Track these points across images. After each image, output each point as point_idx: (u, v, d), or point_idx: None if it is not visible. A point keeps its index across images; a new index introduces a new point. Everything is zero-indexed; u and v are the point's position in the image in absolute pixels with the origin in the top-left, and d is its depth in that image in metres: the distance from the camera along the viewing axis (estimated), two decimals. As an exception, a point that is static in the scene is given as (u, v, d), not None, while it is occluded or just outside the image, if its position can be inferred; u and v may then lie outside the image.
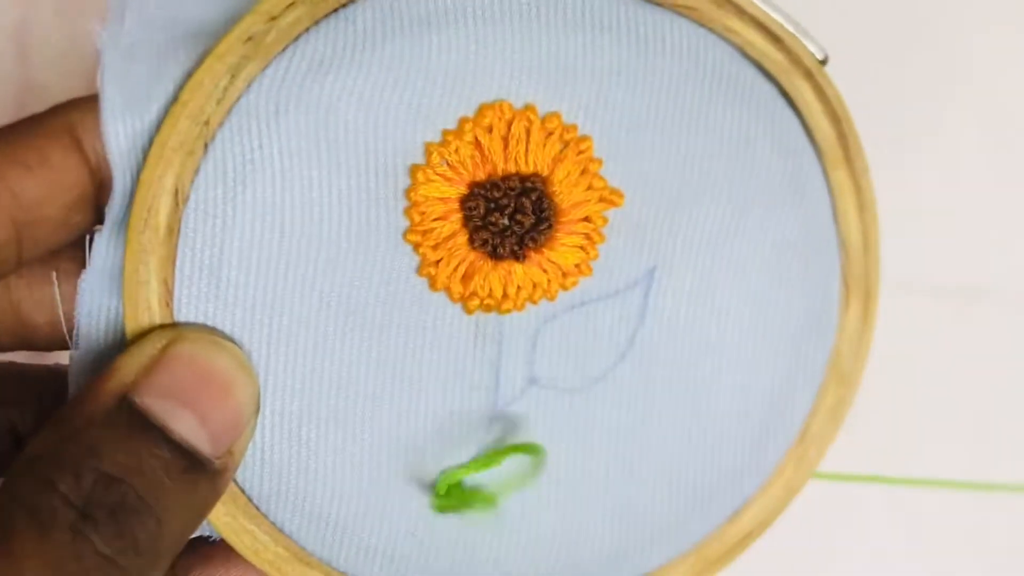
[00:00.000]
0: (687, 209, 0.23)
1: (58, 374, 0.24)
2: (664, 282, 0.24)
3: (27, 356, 0.25)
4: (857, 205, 0.24)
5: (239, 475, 0.22)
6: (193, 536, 0.22)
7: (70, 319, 0.22)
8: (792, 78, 0.23)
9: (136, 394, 0.20)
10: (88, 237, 0.22)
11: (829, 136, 0.24)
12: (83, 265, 0.22)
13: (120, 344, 0.22)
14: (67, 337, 0.22)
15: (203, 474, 0.20)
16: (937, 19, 0.35)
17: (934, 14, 0.35)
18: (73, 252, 0.23)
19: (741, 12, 0.23)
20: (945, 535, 0.36)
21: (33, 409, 0.24)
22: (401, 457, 0.23)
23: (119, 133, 0.21)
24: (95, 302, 0.21)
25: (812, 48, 0.23)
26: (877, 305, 0.25)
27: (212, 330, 0.21)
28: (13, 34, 0.31)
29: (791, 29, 0.23)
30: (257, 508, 0.22)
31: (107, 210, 0.21)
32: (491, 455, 0.23)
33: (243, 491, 0.22)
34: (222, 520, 0.22)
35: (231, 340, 0.21)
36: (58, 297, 0.22)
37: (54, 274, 0.22)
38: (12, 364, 0.25)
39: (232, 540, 0.22)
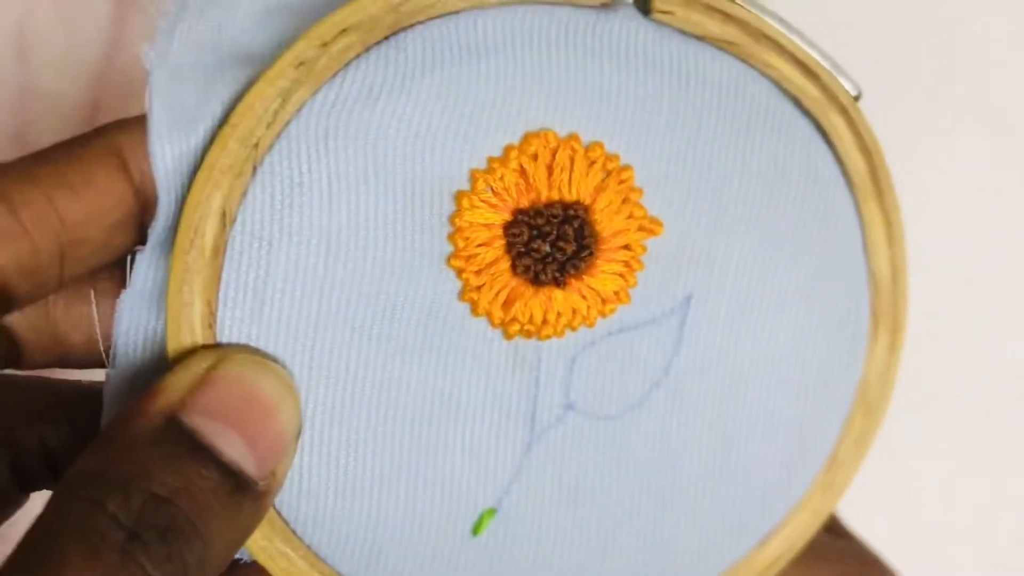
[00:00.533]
0: (723, 239, 0.24)
1: (90, 392, 0.24)
2: (700, 311, 0.24)
3: (59, 373, 0.25)
4: (887, 238, 0.25)
5: (277, 499, 0.22)
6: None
7: (107, 338, 0.22)
8: (827, 113, 0.24)
9: (184, 414, 0.20)
10: (129, 257, 0.22)
11: (861, 170, 0.24)
12: (122, 284, 0.22)
13: (158, 365, 0.21)
14: (104, 356, 0.22)
15: (248, 496, 0.20)
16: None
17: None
18: (111, 271, 0.23)
19: (779, 48, 0.23)
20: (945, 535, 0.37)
21: (65, 426, 0.24)
22: (438, 482, 0.23)
23: (166, 154, 0.21)
24: (134, 321, 0.21)
25: (847, 84, 0.24)
26: (904, 336, 0.25)
27: (257, 351, 0.21)
28: (13, 35, 0.30)
29: (827, 65, 0.24)
30: (294, 532, 0.22)
31: (150, 230, 0.21)
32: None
33: (280, 515, 0.22)
34: (258, 544, 0.22)
35: (276, 361, 0.21)
36: (96, 315, 0.22)
37: (92, 292, 0.22)
38: (45, 380, 0.24)
39: (267, 564, 0.22)
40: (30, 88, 0.31)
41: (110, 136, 0.21)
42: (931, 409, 0.36)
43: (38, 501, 0.20)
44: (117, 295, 0.21)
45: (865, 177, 0.24)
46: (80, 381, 0.24)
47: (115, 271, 0.22)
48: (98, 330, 0.22)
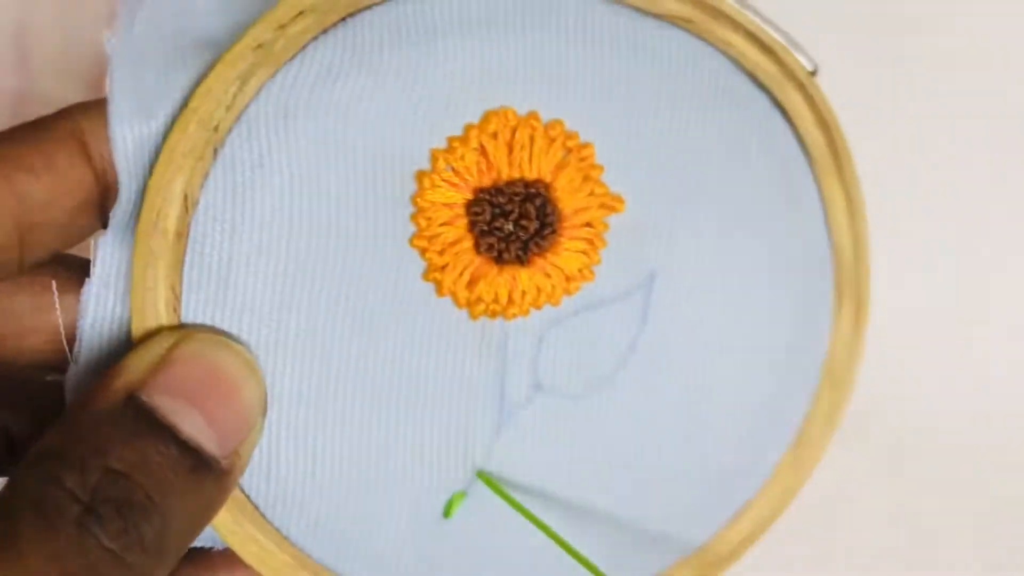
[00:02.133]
0: (686, 215, 0.24)
1: (52, 381, 0.24)
2: (664, 286, 0.24)
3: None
4: (848, 212, 0.25)
5: (245, 482, 0.22)
6: (197, 546, 0.22)
7: (68, 327, 0.22)
8: (784, 88, 0.24)
9: (143, 393, 0.20)
10: (93, 242, 0.22)
11: (820, 144, 0.24)
12: (80, 273, 0.22)
13: (122, 348, 0.21)
14: (65, 343, 0.22)
15: (210, 474, 0.20)
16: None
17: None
18: (70, 263, 0.23)
19: (736, 25, 0.23)
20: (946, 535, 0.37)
21: (27, 413, 0.24)
22: (408, 464, 0.23)
23: (126, 138, 0.21)
24: (99, 306, 0.21)
25: (803, 59, 0.24)
26: (869, 310, 0.25)
27: (219, 331, 0.21)
28: (12, 35, 0.31)
29: (783, 41, 0.24)
30: (263, 516, 0.22)
31: (112, 215, 0.21)
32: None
33: (249, 498, 0.22)
34: (228, 527, 0.22)
35: (238, 341, 0.21)
36: (58, 304, 0.22)
37: (53, 283, 0.22)
38: (5, 366, 0.24)
39: (237, 548, 0.22)
40: (29, 88, 0.31)
41: (72, 119, 0.21)
42: (931, 409, 0.36)
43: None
44: (71, 281, 0.22)
45: (824, 152, 0.24)
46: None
47: (75, 263, 0.22)
48: (60, 318, 0.22)
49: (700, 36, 0.23)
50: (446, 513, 0.24)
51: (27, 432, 0.24)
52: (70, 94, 0.31)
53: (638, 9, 0.23)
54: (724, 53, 0.24)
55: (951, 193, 0.36)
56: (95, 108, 0.21)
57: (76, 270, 0.22)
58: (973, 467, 0.37)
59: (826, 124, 0.24)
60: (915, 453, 0.36)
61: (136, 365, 0.20)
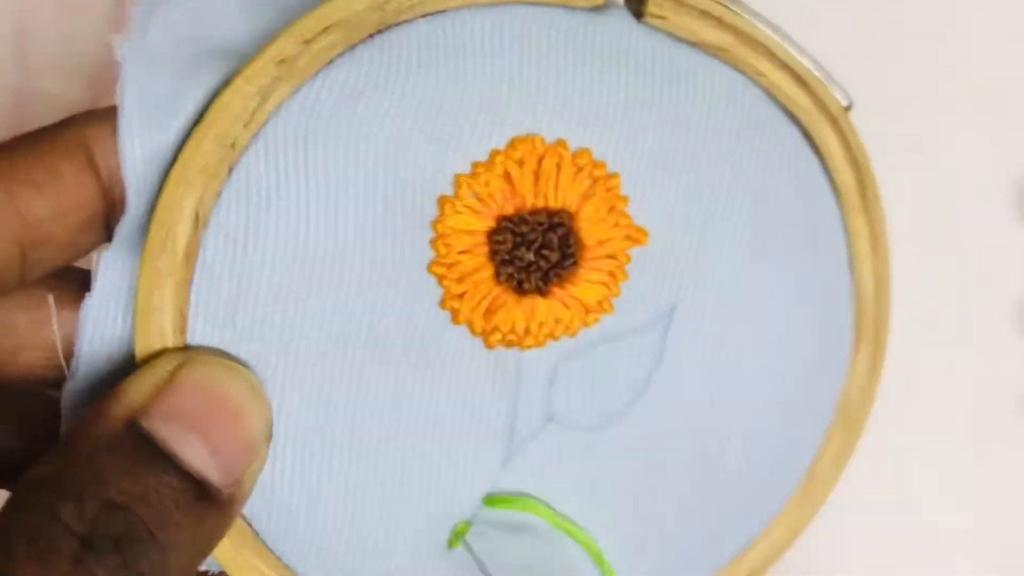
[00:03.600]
0: (709, 249, 0.23)
1: (41, 394, 0.23)
2: (682, 322, 0.23)
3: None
4: (872, 252, 0.24)
5: (246, 508, 0.21)
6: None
7: (34, 346, 0.21)
8: (817, 123, 0.23)
9: (144, 419, 0.19)
10: (96, 256, 0.21)
11: (849, 182, 0.24)
12: (79, 287, 0.21)
13: (124, 369, 0.21)
14: (62, 360, 0.21)
15: (212, 504, 0.19)
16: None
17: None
18: (71, 276, 0.22)
19: (771, 55, 0.23)
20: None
21: (17, 427, 0.23)
22: (413, 494, 0.22)
23: (136, 150, 0.20)
24: (99, 324, 0.20)
25: (838, 94, 0.23)
26: (885, 351, 0.25)
27: (224, 354, 0.21)
28: (12, 35, 0.29)
29: (819, 74, 0.23)
30: (264, 543, 0.22)
31: (117, 230, 0.20)
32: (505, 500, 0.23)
33: (250, 525, 0.21)
34: (227, 554, 0.21)
35: (245, 366, 0.21)
36: (55, 319, 0.21)
37: (51, 297, 0.21)
38: None
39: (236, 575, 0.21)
40: (29, 88, 0.30)
41: (78, 129, 0.20)
42: (931, 409, 0.36)
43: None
44: (71, 297, 0.21)
45: (852, 189, 0.24)
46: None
47: (74, 276, 0.21)
48: (56, 334, 0.21)
49: (735, 66, 0.23)
50: (451, 543, 0.23)
51: (17, 447, 0.23)
52: (70, 94, 0.30)
53: (673, 36, 0.22)
54: (758, 84, 0.23)
55: (991, 220, 0.36)
56: (103, 117, 0.20)
57: (75, 283, 0.21)
58: (973, 466, 0.37)
59: (857, 162, 0.24)
60: (915, 452, 0.36)
61: (137, 389, 0.19)
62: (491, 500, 0.23)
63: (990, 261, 0.37)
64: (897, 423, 0.35)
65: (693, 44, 0.22)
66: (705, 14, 0.22)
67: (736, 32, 0.22)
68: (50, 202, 0.20)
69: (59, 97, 0.30)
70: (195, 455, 0.19)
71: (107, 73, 0.30)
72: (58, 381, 0.21)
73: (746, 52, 0.22)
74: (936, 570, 0.36)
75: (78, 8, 0.30)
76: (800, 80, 0.23)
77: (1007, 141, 0.36)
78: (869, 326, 0.25)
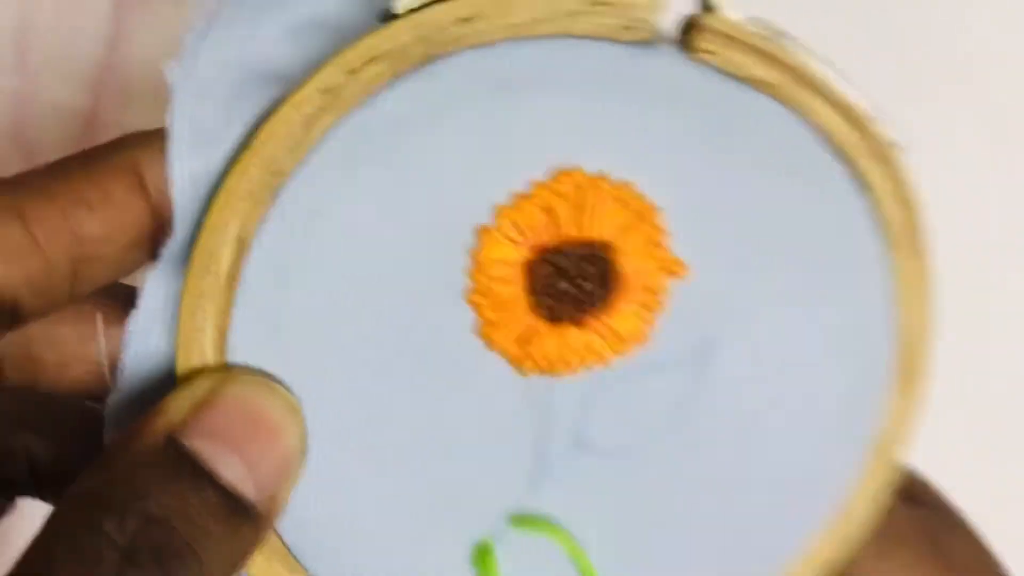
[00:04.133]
0: (749, 285, 0.23)
1: (77, 407, 0.24)
2: (718, 356, 0.23)
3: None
4: (916, 292, 0.24)
5: (279, 523, 0.22)
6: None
7: (88, 361, 0.22)
8: (867, 161, 0.23)
9: (184, 436, 0.19)
10: (141, 274, 0.21)
11: (898, 222, 0.23)
12: (125, 304, 0.21)
13: (165, 383, 0.21)
14: (107, 374, 0.22)
15: (247, 520, 0.20)
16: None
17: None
18: (115, 291, 0.22)
19: (822, 92, 0.22)
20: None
21: (50, 437, 0.24)
22: (441, 515, 0.23)
23: (184, 174, 0.20)
24: (142, 342, 0.21)
25: (890, 131, 0.23)
26: (924, 391, 0.25)
27: (263, 372, 0.21)
28: (12, 36, 0.30)
29: (870, 110, 0.23)
30: (294, 557, 0.22)
31: (163, 250, 0.21)
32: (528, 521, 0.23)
33: (281, 539, 0.22)
34: (258, 566, 0.22)
35: (281, 384, 0.21)
36: (101, 334, 0.22)
37: (98, 314, 0.22)
38: (31, 391, 0.24)
39: (267, 587, 0.22)
40: (29, 88, 0.31)
41: (129, 151, 0.21)
42: (931, 409, 0.36)
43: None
44: (119, 318, 0.21)
45: (901, 230, 0.24)
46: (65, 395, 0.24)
47: (120, 293, 0.22)
48: (103, 352, 0.21)
49: (784, 102, 0.22)
50: (474, 563, 0.23)
51: (51, 457, 0.23)
52: (70, 94, 0.30)
53: (723, 72, 0.22)
54: (807, 121, 0.23)
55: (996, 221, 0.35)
56: (152, 139, 0.21)
57: (121, 300, 0.22)
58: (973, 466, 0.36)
59: (906, 201, 0.23)
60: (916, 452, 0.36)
61: (178, 406, 0.20)
62: (517, 520, 0.23)
63: (991, 262, 0.36)
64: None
65: (742, 79, 0.22)
66: (754, 49, 0.22)
67: (785, 67, 0.22)
68: (102, 222, 0.20)
69: (59, 95, 0.30)
70: (233, 471, 0.19)
71: (107, 75, 0.30)
72: (102, 395, 0.22)
73: (795, 88, 0.22)
74: None
75: (79, 7, 0.30)
76: (851, 117, 0.23)
77: (1008, 142, 0.35)
78: (908, 367, 0.24)
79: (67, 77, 0.30)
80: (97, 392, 0.22)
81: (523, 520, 0.23)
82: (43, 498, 0.24)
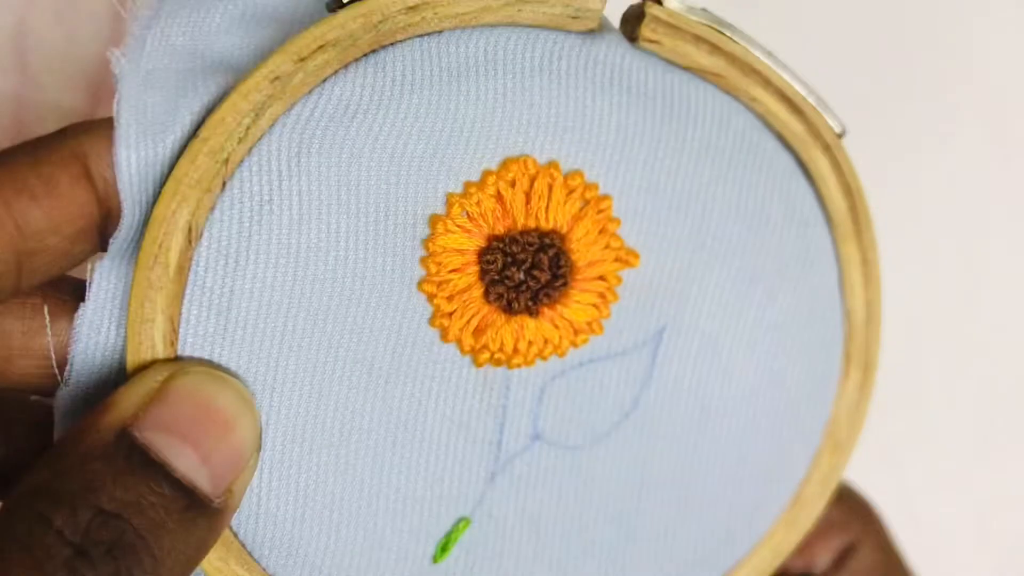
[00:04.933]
0: (699, 273, 0.23)
1: (30, 404, 0.24)
2: (672, 344, 0.23)
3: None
4: (863, 278, 0.24)
5: (234, 520, 0.22)
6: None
7: (27, 354, 0.21)
8: (810, 150, 0.23)
9: (136, 428, 0.19)
10: (89, 267, 0.21)
11: (841, 209, 0.24)
12: (73, 296, 0.21)
13: (115, 380, 0.21)
14: (56, 369, 0.21)
15: (203, 513, 0.19)
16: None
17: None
18: (62, 283, 0.22)
19: (766, 82, 0.23)
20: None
21: (4, 434, 0.23)
22: (399, 508, 0.22)
23: (132, 163, 0.20)
24: (92, 335, 0.21)
25: (831, 121, 0.23)
26: (875, 376, 0.25)
27: (214, 364, 0.21)
28: (11, 37, 0.30)
29: (812, 101, 0.23)
30: (250, 554, 0.22)
31: (112, 241, 0.20)
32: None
33: (236, 536, 0.22)
34: (213, 565, 0.21)
35: (234, 376, 0.21)
36: (49, 328, 0.21)
37: (45, 306, 0.22)
38: None
39: (222, 586, 0.22)
40: (29, 88, 0.30)
41: (75, 140, 0.20)
42: (931, 409, 0.36)
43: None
44: (61, 307, 0.21)
45: (845, 216, 0.24)
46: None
47: (67, 286, 0.22)
48: (51, 344, 0.21)
49: (729, 92, 0.23)
50: (436, 558, 0.23)
51: (4, 453, 0.23)
52: (70, 95, 0.30)
53: (669, 61, 0.22)
54: (752, 110, 0.23)
55: (993, 221, 0.36)
56: (99, 128, 0.21)
57: (68, 293, 0.21)
58: (973, 465, 0.37)
59: (850, 189, 0.24)
60: (915, 452, 0.36)
61: (129, 399, 0.19)
62: (460, 528, 0.23)
63: (991, 262, 0.37)
64: (898, 423, 0.35)
65: (687, 69, 0.22)
66: (699, 39, 0.22)
67: (730, 57, 0.22)
68: (46, 212, 0.20)
69: (59, 95, 0.30)
70: (186, 464, 0.19)
71: (107, 76, 0.30)
72: (50, 390, 0.21)
73: (740, 78, 0.23)
74: (936, 570, 0.36)
75: (79, 7, 0.30)
76: (794, 106, 0.23)
77: (1008, 143, 0.36)
78: (860, 351, 0.25)
79: (67, 79, 0.30)
80: (43, 387, 0.21)
81: (461, 528, 0.23)
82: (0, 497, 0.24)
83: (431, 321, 0.22)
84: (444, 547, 0.23)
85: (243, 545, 0.22)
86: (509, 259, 0.22)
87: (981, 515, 0.37)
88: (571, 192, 0.22)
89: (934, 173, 0.35)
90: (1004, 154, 0.36)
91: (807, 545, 0.27)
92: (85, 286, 0.21)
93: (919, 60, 0.35)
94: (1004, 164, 0.37)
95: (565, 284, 0.22)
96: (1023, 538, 0.37)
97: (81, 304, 0.21)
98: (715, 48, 0.22)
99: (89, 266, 0.21)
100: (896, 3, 0.35)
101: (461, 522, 0.23)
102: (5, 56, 0.29)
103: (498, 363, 0.22)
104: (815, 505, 0.25)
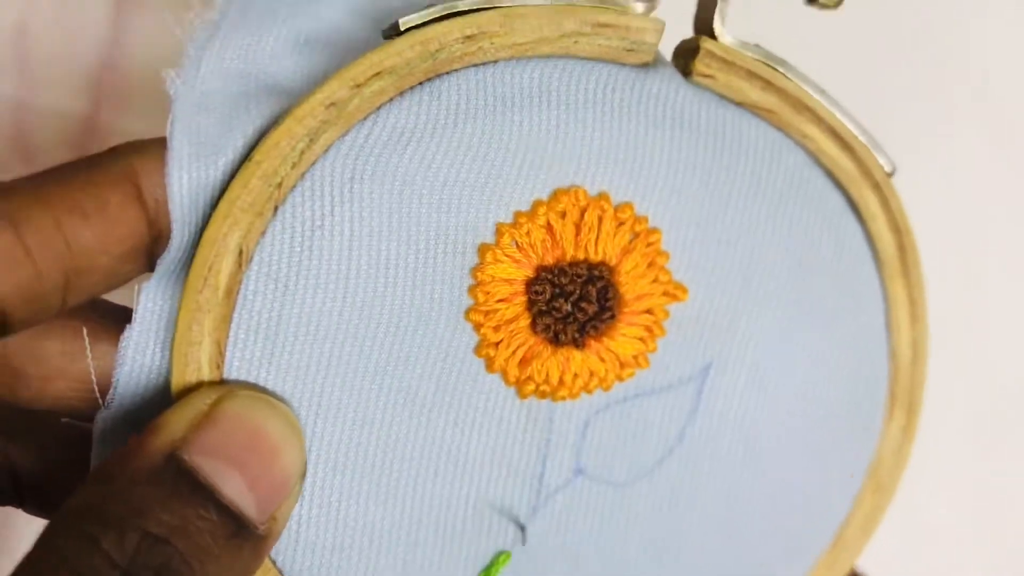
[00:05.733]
0: (747, 309, 0.23)
1: (55, 419, 0.23)
2: (718, 380, 0.23)
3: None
4: (910, 317, 0.24)
5: (274, 548, 0.21)
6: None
7: (65, 376, 0.21)
8: (860, 188, 0.23)
9: (184, 452, 0.19)
10: (137, 288, 0.21)
11: (890, 247, 0.24)
12: (112, 320, 0.21)
13: (160, 401, 0.21)
14: (96, 391, 0.21)
15: (248, 539, 0.19)
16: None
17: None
18: (102, 307, 0.22)
19: (818, 119, 0.23)
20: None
21: (33, 449, 0.23)
22: (439, 540, 0.22)
23: (184, 184, 0.20)
24: (137, 355, 0.20)
25: (882, 160, 0.23)
26: (919, 418, 0.25)
27: (262, 389, 0.21)
28: (13, 35, 0.30)
29: (864, 139, 0.23)
30: (288, 584, 0.22)
31: (159, 262, 0.20)
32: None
33: (274, 564, 0.21)
34: (251, 593, 0.21)
35: (281, 400, 0.21)
36: (89, 349, 0.21)
37: (84, 329, 0.21)
38: (22, 406, 0.23)
39: (258, 614, 0.21)
40: (28, 93, 0.30)
41: (127, 159, 0.20)
42: (931, 409, 0.36)
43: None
44: (105, 334, 0.21)
45: (894, 255, 0.24)
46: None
47: (107, 310, 0.22)
48: (91, 364, 0.21)
49: (781, 128, 0.23)
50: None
51: (31, 466, 0.23)
52: (69, 98, 0.30)
53: (722, 96, 0.22)
54: (803, 147, 0.23)
55: (994, 223, 0.35)
56: (150, 148, 0.20)
57: (108, 316, 0.21)
58: (973, 465, 0.36)
59: (899, 227, 0.24)
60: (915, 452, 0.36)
61: (177, 422, 0.19)
62: (501, 560, 0.23)
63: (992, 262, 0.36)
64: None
65: (740, 104, 0.22)
66: (752, 75, 0.22)
67: (783, 94, 0.22)
68: (96, 232, 0.20)
69: (59, 95, 0.30)
70: (233, 489, 0.19)
71: (106, 79, 0.30)
72: (84, 412, 0.21)
73: (792, 114, 0.22)
74: (936, 570, 0.36)
75: (79, 7, 0.30)
76: (845, 144, 0.23)
77: (1008, 143, 0.36)
78: (904, 392, 0.25)
79: (67, 82, 0.30)
80: (79, 409, 0.21)
81: (501, 560, 0.23)
82: (23, 507, 0.23)
83: (477, 350, 0.22)
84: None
85: (281, 572, 0.21)
86: (557, 290, 0.22)
87: (981, 515, 0.37)
88: (621, 224, 0.22)
89: (934, 173, 0.35)
90: (1005, 154, 0.36)
91: None
92: (122, 310, 0.21)
93: (919, 60, 0.35)
94: (1004, 164, 0.36)
95: (612, 317, 0.22)
96: (1023, 538, 0.37)
97: (127, 325, 0.20)
98: (768, 84, 0.22)
99: (136, 287, 0.21)
100: (896, 3, 0.35)
101: (501, 555, 0.23)
102: (4, 58, 0.29)
103: (543, 395, 0.22)
104: (856, 546, 0.25)
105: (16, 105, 0.30)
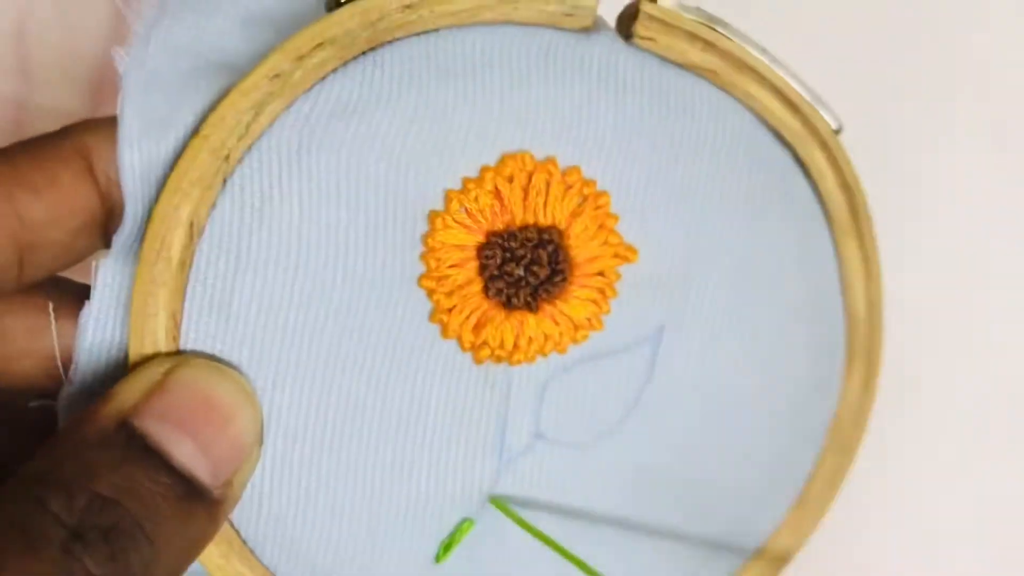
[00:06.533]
0: (699, 269, 0.23)
1: (25, 404, 0.24)
2: (673, 340, 0.23)
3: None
4: (864, 275, 0.24)
5: (235, 516, 0.22)
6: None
7: (29, 354, 0.21)
8: (807, 146, 0.24)
9: (135, 418, 0.19)
10: (94, 265, 0.21)
11: (840, 206, 0.24)
12: (75, 297, 0.21)
13: (120, 373, 0.21)
14: (60, 367, 0.21)
15: (201, 504, 0.19)
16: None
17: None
18: (64, 285, 0.22)
19: (761, 78, 0.23)
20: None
21: (7, 433, 0.24)
22: (402, 508, 0.22)
23: (134, 160, 0.20)
24: (96, 330, 0.21)
25: (828, 117, 0.24)
26: (879, 374, 0.25)
27: (215, 357, 0.21)
28: (11, 38, 0.30)
29: (808, 98, 0.23)
30: (252, 552, 0.22)
31: (115, 237, 0.21)
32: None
33: (238, 533, 0.22)
34: (215, 562, 0.21)
35: (235, 368, 0.21)
36: (54, 326, 0.22)
37: (50, 304, 0.22)
38: None
39: (223, 585, 0.22)
40: (29, 90, 0.31)
41: (78, 137, 0.21)
42: (931, 409, 0.36)
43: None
44: (70, 312, 0.21)
45: (844, 212, 0.24)
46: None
47: (69, 287, 0.22)
48: (55, 341, 0.21)
49: (724, 88, 0.23)
50: (438, 558, 0.23)
51: (7, 452, 0.23)
52: (70, 97, 0.30)
53: (663, 58, 0.22)
54: (748, 107, 0.23)
55: (994, 222, 0.36)
56: (102, 126, 0.21)
57: (71, 294, 0.22)
58: (973, 465, 0.36)
59: (848, 185, 0.24)
60: (916, 452, 0.36)
61: (129, 390, 0.20)
62: (499, 505, 0.23)
63: (992, 262, 0.36)
64: (897, 424, 0.34)
65: (682, 66, 0.23)
66: (693, 36, 0.22)
67: (725, 54, 0.23)
68: (48, 206, 0.20)
69: (59, 95, 0.30)
70: (185, 454, 0.19)
71: (107, 78, 0.31)
72: (51, 391, 0.21)
73: (735, 74, 0.23)
74: (936, 570, 0.36)
75: (79, 7, 0.30)
76: (789, 103, 0.23)
77: (1008, 143, 0.36)
78: (861, 350, 0.25)
79: (67, 80, 0.30)
80: (47, 388, 0.22)
81: (498, 505, 0.23)
82: None
83: (431, 317, 0.22)
84: (447, 547, 0.23)
85: (245, 542, 0.22)
86: (508, 255, 0.22)
87: (980, 515, 0.36)
88: (569, 188, 0.22)
89: (934, 173, 0.35)
90: (1005, 154, 0.37)
91: None
92: (85, 288, 0.21)
93: (919, 60, 0.36)
94: (1005, 164, 0.37)
95: (564, 280, 0.22)
96: (1023, 538, 0.37)
97: (86, 301, 0.21)
98: (709, 45, 0.22)
99: (93, 264, 0.21)
100: (896, 3, 0.36)
101: (464, 523, 0.23)
102: (5, 58, 0.30)
103: (498, 360, 0.22)
104: (821, 505, 0.25)
105: (16, 105, 0.31)
